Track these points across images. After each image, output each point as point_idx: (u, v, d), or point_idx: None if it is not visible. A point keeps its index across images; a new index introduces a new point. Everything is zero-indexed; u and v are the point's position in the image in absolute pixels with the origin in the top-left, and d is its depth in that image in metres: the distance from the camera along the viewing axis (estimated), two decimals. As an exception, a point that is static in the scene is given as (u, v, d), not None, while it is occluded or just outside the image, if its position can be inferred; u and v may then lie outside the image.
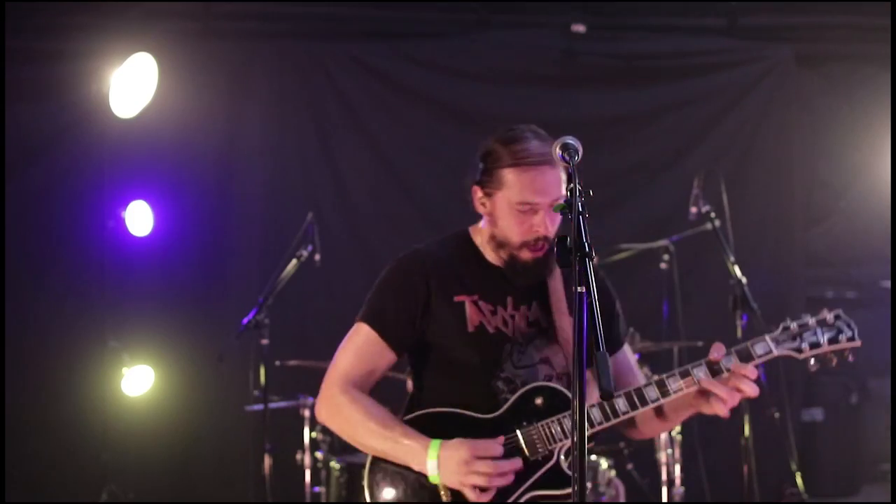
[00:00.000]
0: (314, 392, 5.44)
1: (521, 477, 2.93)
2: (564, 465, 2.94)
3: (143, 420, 6.39)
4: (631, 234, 6.38)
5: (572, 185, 2.50)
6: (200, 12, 6.68)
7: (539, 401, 2.99)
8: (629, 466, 5.87)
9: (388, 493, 2.99)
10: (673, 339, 5.90)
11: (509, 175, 2.98)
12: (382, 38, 6.99)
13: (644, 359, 5.63)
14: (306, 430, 5.44)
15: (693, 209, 5.51)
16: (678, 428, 5.42)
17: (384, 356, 3.06)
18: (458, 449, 2.87)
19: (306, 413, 5.43)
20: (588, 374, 2.49)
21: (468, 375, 3.02)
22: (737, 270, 5.19)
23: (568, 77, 7.02)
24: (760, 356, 2.90)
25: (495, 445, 2.90)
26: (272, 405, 5.23)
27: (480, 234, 3.14)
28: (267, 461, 5.26)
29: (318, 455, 5.49)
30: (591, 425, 2.92)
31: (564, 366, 3.08)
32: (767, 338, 2.93)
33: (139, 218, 6.24)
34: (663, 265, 5.95)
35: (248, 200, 6.80)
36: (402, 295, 3.05)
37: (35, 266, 6.54)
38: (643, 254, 6.01)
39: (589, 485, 4.98)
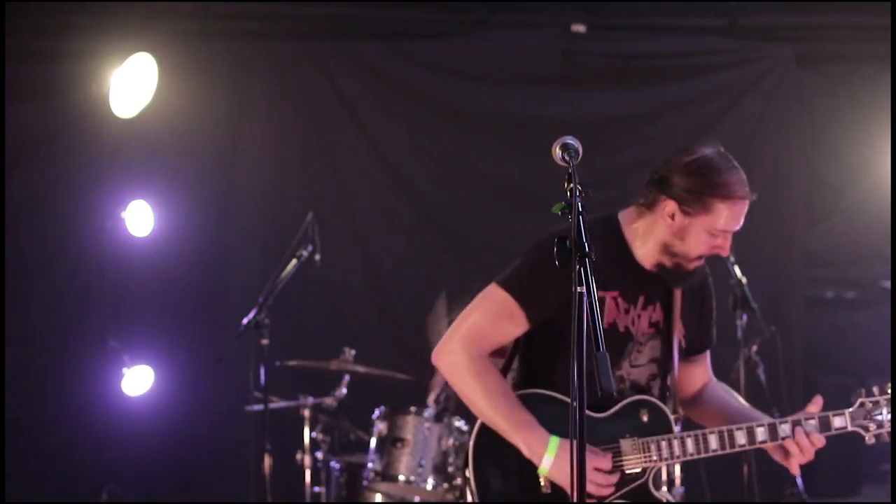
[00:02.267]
0: (314, 392, 5.50)
1: (614, 486, 3.08)
2: (651, 486, 3.10)
3: (143, 420, 6.38)
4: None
5: (572, 185, 2.52)
6: (200, 12, 6.68)
7: (645, 416, 3.13)
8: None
9: (493, 462, 3.11)
10: (673, 339, 5.89)
11: (720, 206, 3.10)
12: (382, 38, 6.99)
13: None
14: (306, 430, 5.44)
15: (693, 209, 5.49)
16: (678, 428, 5.41)
17: (516, 329, 3.14)
18: None
19: (306, 413, 5.43)
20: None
21: None
22: (737, 270, 5.19)
23: (568, 77, 7.01)
24: (837, 429, 3.20)
25: (608, 461, 3.05)
26: (272, 405, 5.22)
27: (636, 229, 3.20)
28: (267, 461, 5.26)
29: (318, 455, 5.49)
30: (685, 454, 3.09)
31: (670, 367, 3.24)
32: (847, 413, 3.19)
33: (139, 218, 6.24)
34: (663, 265, 5.94)
35: (248, 200, 6.80)
36: (551, 276, 2.94)
37: (35, 266, 6.54)
38: (643, 254, 6.00)
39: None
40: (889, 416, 3.13)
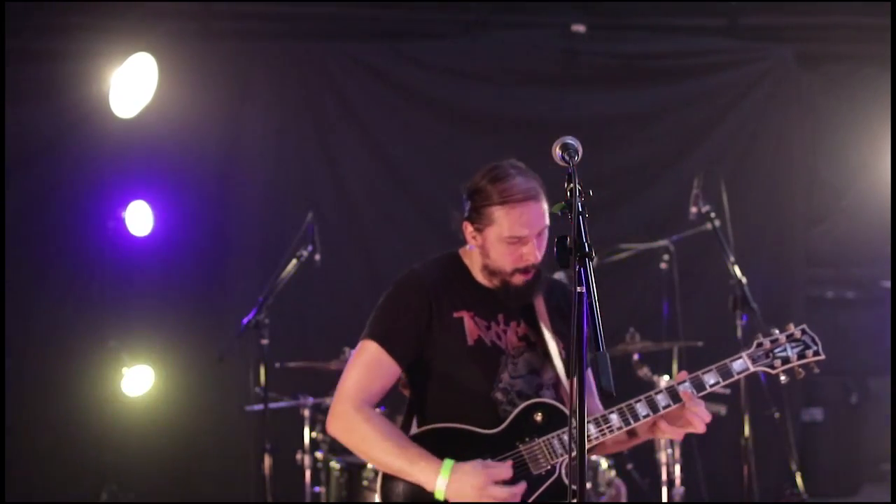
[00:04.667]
0: (314, 392, 5.50)
1: (526, 491, 3.06)
2: (566, 479, 3.08)
3: (143, 420, 6.39)
4: (631, 234, 6.37)
5: (572, 185, 2.52)
6: (200, 12, 6.69)
7: (539, 416, 3.13)
8: (629, 466, 5.88)
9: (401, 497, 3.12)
10: (673, 339, 5.89)
11: (498, 212, 3.14)
12: (382, 38, 6.99)
13: (644, 359, 5.63)
14: (306, 430, 5.44)
15: (693, 209, 5.50)
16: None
17: (391, 371, 3.19)
18: (473, 474, 3.00)
19: (306, 413, 5.42)
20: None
21: (469, 387, 3.16)
22: (737, 270, 5.19)
23: (568, 77, 7.02)
24: (739, 373, 3.12)
25: (507, 470, 3.04)
26: (272, 405, 5.22)
27: (470, 258, 3.30)
28: (267, 461, 5.25)
29: (318, 455, 5.49)
30: (588, 439, 3.05)
31: (553, 378, 3.24)
32: (744, 355, 3.13)
33: (139, 218, 6.24)
34: (663, 265, 5.95)
35: (248, 200, 6.80)
36: (405, 313, 3.18)
37: (35, 266, 6.54)
38: (643, 254, 6.01)
39: (589, 485, 4.99)
40: (796, 353, 3.12)
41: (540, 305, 3.26)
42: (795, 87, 7.16)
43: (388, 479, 3.14)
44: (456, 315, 3.18)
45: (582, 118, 6.85)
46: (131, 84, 5.96)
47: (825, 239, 7.35)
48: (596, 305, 2.40)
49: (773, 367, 3.12)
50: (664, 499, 5.37)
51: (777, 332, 3.16)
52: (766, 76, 7.11)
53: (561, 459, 3.07)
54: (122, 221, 6.19)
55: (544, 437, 3.09)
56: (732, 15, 7.04)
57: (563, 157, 2.62)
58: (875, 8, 6.66)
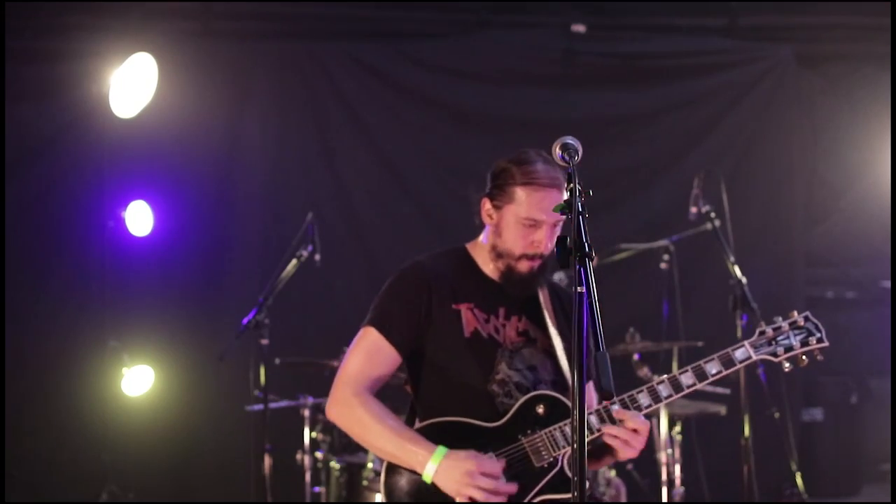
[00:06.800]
0: (314, 392, 5.50)
1: (529, 483, 3.07)
2: (568, 471, 3.07)
3: (143, 420, 6.39)
4: (631, 234, 6.38)
5: (572, 185, 2.52)
6: (200, 12, 6.69)
7: (540, 409, 3.13)
8: (629, 466, 5.87)
9: (404, 494, 3.12)
10: (673, 339, 5.89)
11: (520, 192, 3.17)
12: (382, 38, 6.99)
13: (644, 359, 5.63)
14: (306, 430, 5.44)
15: (693, 209, 5.50)
16: (678, 428, 5.42)
17: (391, 358, 3.21)
18: (464, 461, 3.01)
19: (306, 413, 5.42)
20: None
21: (465, 380, 3.17)
22: (737, 270, 5.19)
23: (568, 77, 7.02)
24: (742, 361, 3.10)
25: (497, 465, 3.05)
26: (272, 405, 5.23)
27: (478, 249, 3.33)
28: (267, 461, 5.26)
29: (318, 455, 5.49)
30: (591, 431, 3.04)
31: (553, 374, 3.23)
32: (746, 343, 3.11)
33: (139, 218, 6.24)
34: (663, 265, 5.95)
35: (248, 200, 6.80)
36: (406, 301, 3.21)
37: (35, 266, 6.54)
38: (643, 254, 6.01)
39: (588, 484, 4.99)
40: (799, 341, 3.10)
41: (545, 302, 3.27)
42: (795, 87, 7.16)
43: (391, 475, 3.14)
44: (455, 307, 3.20)
45: (582, 118, 6.85)
46: (131, 84, 5.96)
47: (825, 239, 7.35)
48: (596, 305, 2.40)
49: (775, 354, 3.11)
50: (664, 499, 5.37)
51: (780, 319, 3.14)
52: (766, 76, 7.11)
53: (563, 451, 3.07)
54: (122, 221, 6.19)
55: (546, 429, 3.08)
56: (732, 15, 7.04)
57: (563, 157, 2.63)
58: (875, 8, 6.66)
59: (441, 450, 3.04)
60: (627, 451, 3.04)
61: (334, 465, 5.34)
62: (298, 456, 5.45)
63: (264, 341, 5.18)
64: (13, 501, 6.12)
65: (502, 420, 3.11)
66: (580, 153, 2.63)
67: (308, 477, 5.45)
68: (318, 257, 5.39)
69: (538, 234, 3.15)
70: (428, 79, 6.98)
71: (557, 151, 2.64)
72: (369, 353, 3.19)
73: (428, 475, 3.02)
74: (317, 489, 5.52)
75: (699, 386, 3.09)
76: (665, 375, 3.11)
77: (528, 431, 3.10)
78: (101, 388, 6.27)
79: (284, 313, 5.69)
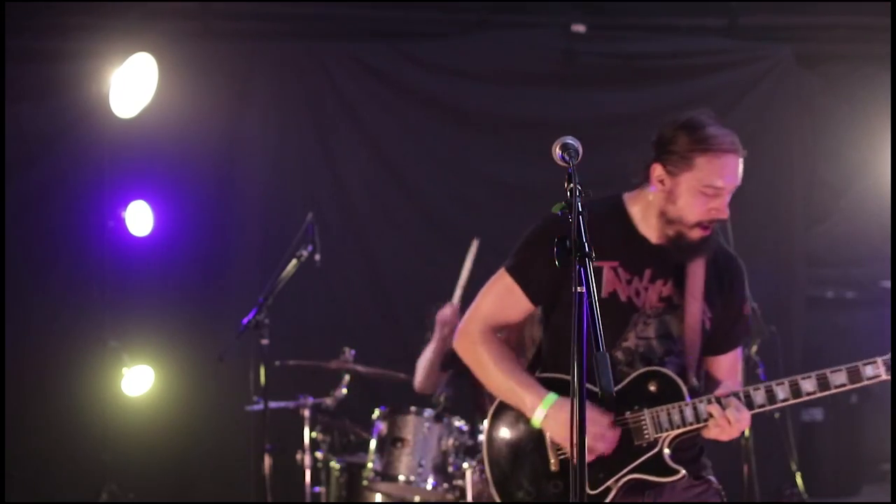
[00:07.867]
0: (314, 392, 5.50)
1: (625, 459, 3.09)
2: (666, 456, 3.08)
3: (143, 420, 6.39)
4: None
5: (572, 185, 2.52)
6: (200, 12, 6.68)
7: (653, 386, 3.13)
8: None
9: (505, 431, 3.26)
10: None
11: (700, 158, 3.13)
12: (382, 38, 6.98)
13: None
14: (306, 430, 5.44)
15: (693, 209, 5.49)
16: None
17: (522, 306, 3.26)
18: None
19: (306, 413, 5.42)
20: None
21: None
22: (737, 270, 5.17)
23: (568, 77, 7.01)
24: (870, 378, 3.18)
25: (607, 418, 3.06)
26: (272, 405, 5.23)
27: (639, 205, 3.25)
28: (267, 461, 5.26)
29: (318, 455, 5.49)
30: (698, 420, 3.07)
31: (686, 345, 3.19)
32: (879, 360, 3.16)
33: (139, 218, 6.24)
34: (663, 265, 5.93)
35: (248, 200, 6.80)
36: (544, 253, 3.04)
37: (35, 266, 6.54)
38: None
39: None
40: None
41: (696, 269, 3.20)
42: (795, 87, 7.15)
43: (497, 419, 3.24)
44: (597, 264, 3.10)
45: (582, 118, 6.84)
46: (131, 84, 5.97)
47: (825, 239, 7.34)
48: (596, 305, 2.40)
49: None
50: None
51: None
52: (766, 76, 7.10)
53: (665, 435, 3.08)
54: (122, 221, 6.19)
55: (653, 409, 3.09)
56: (732, 15, 7.03)
57: (563, 157, 2.62)
58: (875, 8, 6.66)
59: (552, 396, 3.08)
60: (718, 434, 3.09)
61: (334, 465, 5.34)
62: (298, 456, 5.45)
63: (264, 341, 5.18)
64: (13, 501, 6.12)
65: (615, 388, 3.09)
66: (580, 153, 2.62)
67: (308, 477, 5.45)
68: (318, 257, 5.39)
69: (717, 202, 3.13)
70: (428, 79, 6.97)
71: (557, 151, 2.63)
72: (502, 297, 3.25)
73: (537, 420, 3.08)
74: (317, 489, 5.52)
75: (819, 395, 3.11)
76: (786, 378, 3.11)
77: (636, 407, 3.11)
78: (101, 388, 6.27)
79: (284, 313, 5.69)
